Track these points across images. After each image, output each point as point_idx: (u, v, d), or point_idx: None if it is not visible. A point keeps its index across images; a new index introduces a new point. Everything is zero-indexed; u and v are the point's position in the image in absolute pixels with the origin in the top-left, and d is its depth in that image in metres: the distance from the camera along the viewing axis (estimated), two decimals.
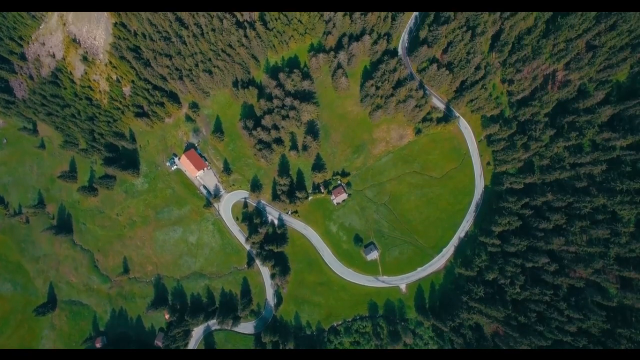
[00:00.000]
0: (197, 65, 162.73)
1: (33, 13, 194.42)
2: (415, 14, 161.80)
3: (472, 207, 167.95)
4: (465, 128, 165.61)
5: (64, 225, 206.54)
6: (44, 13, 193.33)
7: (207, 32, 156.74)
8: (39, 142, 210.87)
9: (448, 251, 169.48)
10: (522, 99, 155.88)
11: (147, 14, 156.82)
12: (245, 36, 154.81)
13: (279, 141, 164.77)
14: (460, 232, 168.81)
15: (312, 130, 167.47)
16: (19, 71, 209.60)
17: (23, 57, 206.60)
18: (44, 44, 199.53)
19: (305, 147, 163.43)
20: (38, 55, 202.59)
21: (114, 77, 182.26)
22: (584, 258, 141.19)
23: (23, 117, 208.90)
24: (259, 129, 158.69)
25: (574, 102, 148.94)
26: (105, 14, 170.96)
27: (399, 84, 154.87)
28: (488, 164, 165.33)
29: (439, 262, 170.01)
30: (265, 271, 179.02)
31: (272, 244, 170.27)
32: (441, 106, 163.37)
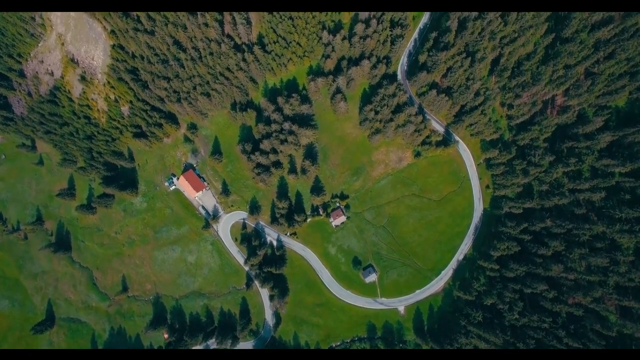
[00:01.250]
0: (195, 88, 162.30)
1: (32, 31, 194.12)
2: (414, 36, 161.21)
3: (471, 230, 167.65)
4: (465, 151, 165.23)
5: (62, 243, 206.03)
6: (42, 31, 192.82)
7: (205, 56, 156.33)
8: (37, 159, 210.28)
9: (447, 274, 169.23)
10: (521, 123, 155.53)
11: (145, 36, 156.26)
12: (244, 60, 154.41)
13: (277, 164, 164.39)
14: (459, 255, 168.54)
15: (310, 153, 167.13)
16: (17, 88, 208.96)
17: (22, 74, 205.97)
18: (42, 61, 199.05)
19: (304, 171, 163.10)
20: (36, 72, 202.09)
21: (112, 97, 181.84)
22: (583, 286, 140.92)
23: (21, 134, 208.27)
24: (257, 153, 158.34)
25: (573, 127, 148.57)
26: (103, 35, 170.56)
27: (398, 109, 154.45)
28: (487, 187, 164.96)
29: (437, 284, 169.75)
30: (264, 291, 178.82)
31: (271, 266, 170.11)
32: (440, 129, 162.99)
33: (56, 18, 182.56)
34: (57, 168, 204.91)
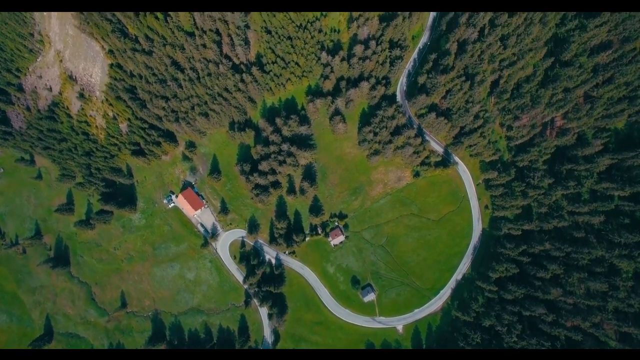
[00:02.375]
0: (193, 108, 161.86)
1: (30, 47, 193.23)
2: (414, 56, 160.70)
3: (470, 250, 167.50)
4: (464, 171, 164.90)
5: (61, 257, 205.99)
6: (40, 47, 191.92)
7: (203, 77, 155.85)
8: (36, 173, 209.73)
9: (445, 293, 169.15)
10: (520, 145, 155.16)
11: (143, 57, 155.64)
12: (242, 80, 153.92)
13: (276, 185, 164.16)
14: (458, 275, 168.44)
15: (309, 172, 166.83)
16: (16, 102, 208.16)
17: (20, 89, 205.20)
18: (41, 77, 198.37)
19: (302, 191, 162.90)
20: (35, 87, 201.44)
21: (111, 114, 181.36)
22: (582, 310, 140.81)
23: (20, 149, 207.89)
24: (255, 174, 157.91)
25: (572, 149, 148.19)
26: (101, 54, 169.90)
27: (397, 131, 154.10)
28: (486, 207, 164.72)
29: (436, 304, 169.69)
30: (263, 309, 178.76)
31: (270, 285, 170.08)
32: (439, 150, 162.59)
33: (54, 35, 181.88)
34: (56, 182, 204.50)
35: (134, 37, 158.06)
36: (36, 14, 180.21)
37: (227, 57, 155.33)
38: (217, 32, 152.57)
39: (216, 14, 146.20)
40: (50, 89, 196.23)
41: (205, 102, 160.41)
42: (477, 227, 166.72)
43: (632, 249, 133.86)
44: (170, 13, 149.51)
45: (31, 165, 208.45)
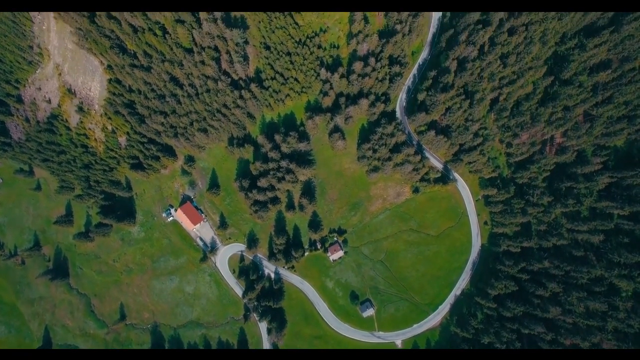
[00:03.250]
0: (192, 124, 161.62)
1: (29, 59, 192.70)
2: (413, 72, 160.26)
3: (469, 266, 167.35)
4: (463, 187, 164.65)
5: (60, 268, 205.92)
6: (40, 59, 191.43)
7: (202, 93, 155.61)
8: (35, 184, 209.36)
9: (444, 308, 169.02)
10: (520, 161, 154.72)
11: (142, 73, 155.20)
12: (241, 97, 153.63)
13: (275, 200, 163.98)
14: (457, 290, 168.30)
15: (308, 188, 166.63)
16: (15, 113, 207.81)
17: (20, 100, 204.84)
18: (40, 88, 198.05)
19: (301, 207, 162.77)
20: (34, 98, 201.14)
21: (110, 127, 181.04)
22: (581, 329, 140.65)
23: (19, 160, 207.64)
24: (254, 191, 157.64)
25: (572, 167, 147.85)
26: (100, 69, 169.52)
27: (396, 148, 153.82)
28: (485, 223, 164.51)
29: (434, 319, 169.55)
30: (262, 324, 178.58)
31: (269, 300, 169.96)
32: (439, 166, 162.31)
33: (53, 48, 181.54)
34: (55, 194, 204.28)
35: (132, 52, 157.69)
36: (35, 27, 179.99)
37: (225, 73, 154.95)
38: (216, 49, 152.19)
39: (215, 31, 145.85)
40: (49, 101, 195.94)
41: (204, 118, 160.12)
42: (476, 243, 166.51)
43: (631, 269, 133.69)
44: (169, 30, 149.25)
45: (30, 176, 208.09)
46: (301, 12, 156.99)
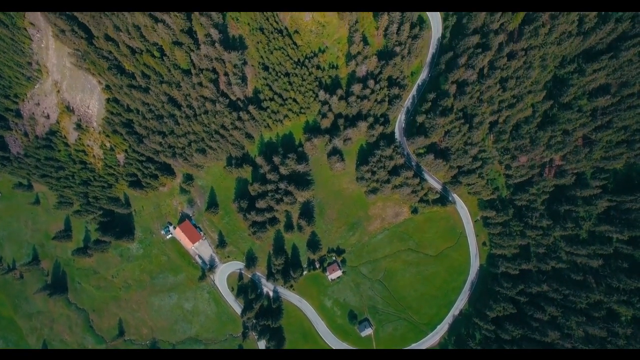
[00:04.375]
0: (190, 145, 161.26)
1: (28, 74, 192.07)
2: (413, 92, 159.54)
3: (467, 286, 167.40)
4: (462, 207, 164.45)
5: (58, 283, 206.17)
6: (38, 75, 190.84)
7: (200, 114, 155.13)
8: (33, 198, 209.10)
9: (442, 328, 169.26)
10: (519, 183, 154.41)
11: (140, 94, 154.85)
12: (239, 118, 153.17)
13: (273, 221, 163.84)
14: (455, 310, 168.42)
15: (307, 208, 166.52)
16: (14, 128, 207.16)
17: (18, 114, 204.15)
18: (38, 104, 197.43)
19: (300, 228, 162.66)
20: (33, 113, 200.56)
21: (108, 145, 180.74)
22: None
23: (17, 175, 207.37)
24: (253, 212, 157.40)
25: (571, 189, 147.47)
26: (98, 88, 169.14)
27: (395, 171, 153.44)
28: (484, 244, 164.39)
29: (433, 338, 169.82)
30: (261, 342, 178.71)
31: (268, 319, 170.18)
32: (438, 187, 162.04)
33: (52, 66, 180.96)
34: (54, 209, 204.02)
35: (130, 73, 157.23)
36: (34, 45, 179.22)
37: (224, 94, 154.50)
38: (214, 71, 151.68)
39: (213, 53, 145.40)
40: (47, 117, 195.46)
41: (202, 139, 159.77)
42: (475, 264, 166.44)
43: (631, 294, 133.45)
44: (167, 52, 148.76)
45: (29, 190, 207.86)
46: (299, 32, 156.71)
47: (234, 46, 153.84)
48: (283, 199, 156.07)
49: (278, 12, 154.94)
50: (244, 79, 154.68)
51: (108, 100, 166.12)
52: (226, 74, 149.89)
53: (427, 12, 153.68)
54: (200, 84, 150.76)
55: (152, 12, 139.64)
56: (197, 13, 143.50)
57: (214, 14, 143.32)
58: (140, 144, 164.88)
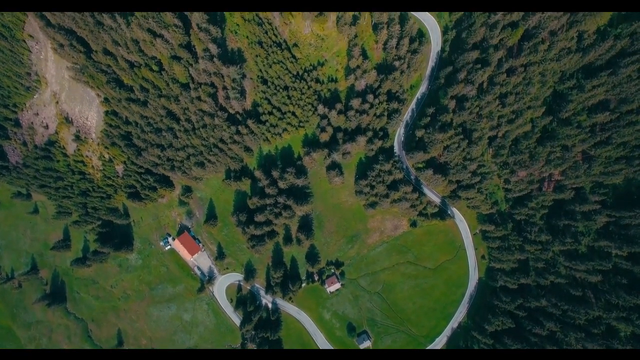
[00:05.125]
0: (188, 158, 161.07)
1: (27, 85, 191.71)
2: (412, 106, 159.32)
3: (466, 299, 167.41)
4: (461, 221, 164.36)
5: (57, 293, 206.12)
6: (37, 85, 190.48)
7: (199, 128, 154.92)
8: (32, 207, 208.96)
9: (441, 341, 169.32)
10: (518, 198, 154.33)
11: (138, 107, 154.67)
12: (238, 132, 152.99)
13: (272, 234, 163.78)
14: (453, 323, 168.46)
15: (306, 221, 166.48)
16: (12, 137, 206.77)
17: (17, 124, 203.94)
18: (37, 114, 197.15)
19: (299, 241, 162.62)
20: (32, 122, 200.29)
21: (107, 156, 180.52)
22: None
23: (16, 185, 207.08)
24: (252, 226, 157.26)
25: (570, 204, 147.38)
26: (97, 100, 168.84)
27: (394, 185, 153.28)
28: (483, 257, 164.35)
29: None
30: None
31: (266, 331, 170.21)
32: (437, 200, 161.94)
33: (51, 77, 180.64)
34: (52, 219, 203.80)
35: (129, 87, 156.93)
36: (33, 56, 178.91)
37: (222, 108, 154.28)
38: (212, 85, 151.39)
39: (211, 68, 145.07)
40: (46, 127, 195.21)
41: (201, 152, 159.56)
42: (474, 276, 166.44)
43: (630, 311, 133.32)
44: (165, 67, 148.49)
45: (28, 199, 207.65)
46: (298, 45, 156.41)
47: (232, 60, 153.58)
48: (282, 213, 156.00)
49: (277, 25, 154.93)
50: (242, 92, 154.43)
51: (107, 112, 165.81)
52: (225, 88, 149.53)
53: (426, 26, 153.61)
54: (198, 98, 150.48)
55: (150, 27, 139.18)
56: (195, 27, 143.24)
57: (212, 27, 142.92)
58: (139, 157, 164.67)
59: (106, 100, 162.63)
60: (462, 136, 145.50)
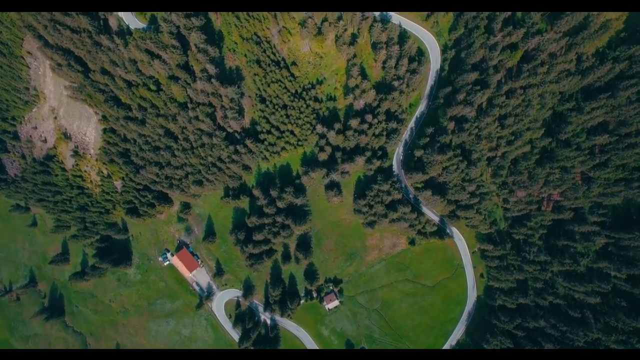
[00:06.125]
0: (186, 177, 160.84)
1: (25, 99, 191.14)
2: (411, 125, 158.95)
3: (464, 316, 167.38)
4: (459, 239, 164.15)
5: (55, 306, 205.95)
6: (35, 99, 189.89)
7: (197, 147, 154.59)
8: (31, 220, 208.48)
9: None
10: (517, 217, 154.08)
11: (136, 126, 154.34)
12: (236, 152, 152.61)
13: (270, 252, 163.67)
14: (452, 341, 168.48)
15: (304, 239, 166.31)
16: (11, 150, 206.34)
17: (16, 137, 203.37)
18: (36, 127, 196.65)
19: (297, 260, 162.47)
20: (30, 136, 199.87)
21: (105, 172, 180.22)
22: None
23: (14, 198, 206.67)
24: (250, 245, 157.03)
25: (569, 224, 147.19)
26: (95, 118, 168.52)
27: (392, 205, 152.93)
28: (481, 275, 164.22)
29: None
30: None
31: (265, 347, 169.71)
32: (435, 219, 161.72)
33: (49, 92, 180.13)
34: (51, 233, 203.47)
35: (127, 105, 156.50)
36: (31, 72, 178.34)
37: (220, 128, 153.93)
38: (210, 105, 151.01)
39: (209, 89, 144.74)
40: (45, 141, 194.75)
41: (199, 171, 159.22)
42: (472, 294, 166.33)
43: (629, 335, 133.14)
44: (163, 87, 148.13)
45: (26, 212, 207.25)
46: (297, 63, 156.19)
47: (230, 78, 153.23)
48: (280, 232, 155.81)
49: (276, 43, 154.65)
50: (240, 111, 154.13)
51: (105, 130, 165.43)
52: (223, 108, 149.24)
53: (425, 44, 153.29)
54: (196, 117, 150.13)
55: (148, 48, 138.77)
56: (193, 48, 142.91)
57: (210, 48, 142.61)
58: (137, 174, 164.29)
59: (104, 118, 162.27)
60: (461, 158, 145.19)
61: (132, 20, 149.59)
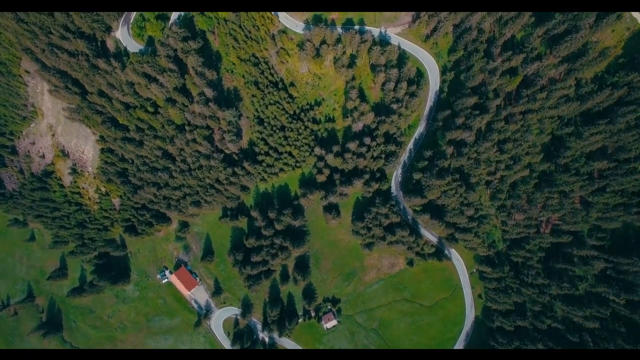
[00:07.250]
0: (184, 197, 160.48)
1: (23, 115, 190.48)
2: (410, 146, 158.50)
3: (462, 337, 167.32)
4: (458, 260, 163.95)
5: (53, 321, 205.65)
6: (33, 115, 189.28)
7: (195, 169, 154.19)
8: (29, 235, 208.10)
9: None
10: (515, 240, 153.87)
11: (134, 147, 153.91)
12: (234, 174, 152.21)
13: (268, 273, 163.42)
14: None
15: (302, 260, 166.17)
16: (9, 164, 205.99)
17: (14, 151, 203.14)
18: (34, 143, 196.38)
19: (295, 281, 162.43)
20: (28, 151, 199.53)
21: (103, 189, 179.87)
22: None
23: (12, 213, 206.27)
24: (248, 267, 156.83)
25: (568, 247, 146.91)
26: (92, 137, 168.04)
27: (391, 228, 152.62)
28: (479, 296, 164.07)
29: None
30: None
31: None
32: (434, 240, 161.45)
33: (47, 110, 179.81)
34: (49, 249, 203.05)
35: (124, 126, 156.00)
36: (29, 90, 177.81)
37: (218, 150, 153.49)
38: (208, 127, 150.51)
39: (206, 112, 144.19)
40: (43, 156, 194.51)
41: (197, 192, 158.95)
42: (470, 315, 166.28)
43: None
44: (160, 109, 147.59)
45: (24, 227, 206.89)
46: (295, 84, 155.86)
47: (228, 99, 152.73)
48: (278, 254, 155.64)
49: (274, 64, 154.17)
50: (238, 132, 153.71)
51: (102, 150, 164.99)
52: (221, 130, 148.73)
53: (425, 65, 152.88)
54: (194, 140, 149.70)
55: (145, 72, 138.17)
56: (191, 71, 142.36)
57: (207, 71, 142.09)
58: (135, 194, 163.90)
59: (102, 138, 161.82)
60: (459, 182, 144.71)
61: (129, 41, 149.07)
